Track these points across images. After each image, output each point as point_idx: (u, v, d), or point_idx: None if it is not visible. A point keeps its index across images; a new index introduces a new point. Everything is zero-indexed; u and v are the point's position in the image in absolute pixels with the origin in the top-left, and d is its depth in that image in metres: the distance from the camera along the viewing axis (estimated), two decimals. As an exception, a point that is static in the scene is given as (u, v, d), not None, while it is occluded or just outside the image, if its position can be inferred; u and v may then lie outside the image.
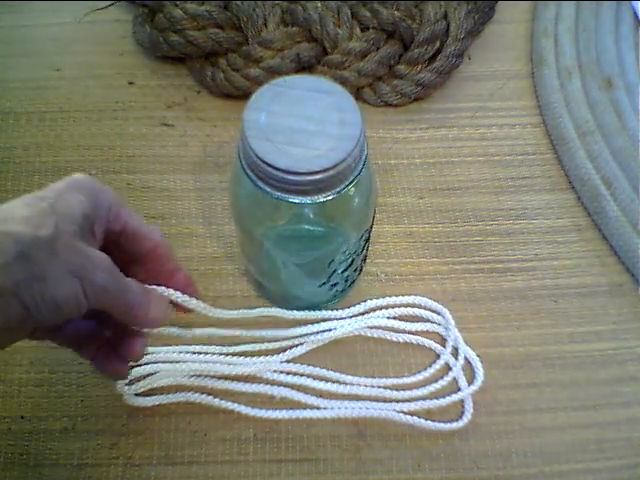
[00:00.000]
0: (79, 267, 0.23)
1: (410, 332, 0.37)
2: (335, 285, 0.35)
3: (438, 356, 0.37)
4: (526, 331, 0.38)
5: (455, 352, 0.36)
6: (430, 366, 0.36)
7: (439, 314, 0.38)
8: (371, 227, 0.34)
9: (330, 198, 0.27)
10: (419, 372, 0.36)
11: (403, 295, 0.38)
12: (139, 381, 0.34)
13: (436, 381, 0.35)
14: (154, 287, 0.28)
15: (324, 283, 0.34)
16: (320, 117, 0.26)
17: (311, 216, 0.30)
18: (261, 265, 0.35)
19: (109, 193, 0.26)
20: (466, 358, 0.36)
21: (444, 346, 0.37)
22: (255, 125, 0.26)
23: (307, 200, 0.27)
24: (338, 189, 0.27)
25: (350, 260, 0.33)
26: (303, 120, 0.26)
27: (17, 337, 0.24)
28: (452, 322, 0.37)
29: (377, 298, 0.38)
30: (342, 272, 0.34)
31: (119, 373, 0.30)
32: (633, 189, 0.41)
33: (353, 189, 0.28)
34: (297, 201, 0.27)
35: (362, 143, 0.27)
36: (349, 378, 0.35)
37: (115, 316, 0.26)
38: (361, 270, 0.37)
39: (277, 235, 0.31)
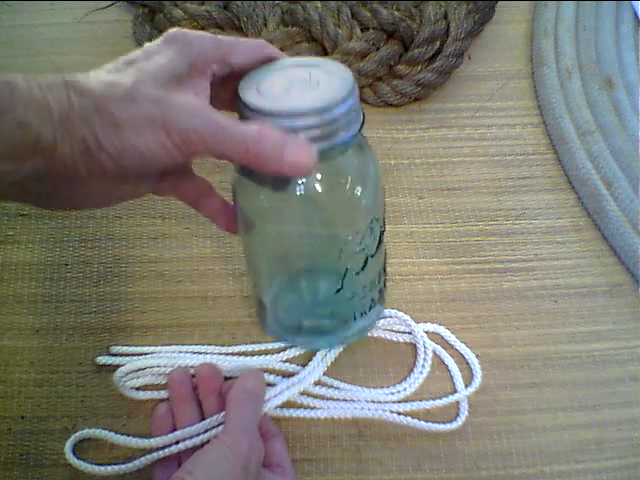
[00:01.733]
0: (162, 116, 0.23)
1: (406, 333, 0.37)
2: (353, 297, 0.33)
3: (438, 357, 0.37)
4: (526, 331, 0.38)
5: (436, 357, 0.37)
6: (425, 367, 0.36)
7: (408, 325, 0.37)
8: (383, 227, 0.33)
9: (325, 147, 0.25)
10: (414, 372, 0.36)
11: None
12: (138, 377, 0.34)
13: (433, 382, 0.35)
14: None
15: (339, 289, 0.32)
16: (312, 79, 0.27)
17: (310, 189, 0.28)
18: (273, 280, 0.34)
19: (204, 40, 0.26)
20: (465, 359, 0.36)
21: (444, 348, 0.37)
22: (249, 86, 0.26)
23: None
24: (333, 140, 0.26)
25: (364, 258, 0.32)
26: (296, 81, 0.27)
27: (130, 192, 0.27)
28: (422, 334, 0.37)
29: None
30: (357, 274, 0.32)
31: (235, 229, 0.31)
32: (633, 189, 0.41)
33: (349, 161, 0.28)
34: None
35: (355, 98, 0.26)
36: (343, 385, 0.35)
37: (235, 160, 0.25)
38: (381, 295, 0.35)
39: (280, 214, 0.30)
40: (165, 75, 0.24)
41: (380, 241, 0.33)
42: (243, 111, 0.26)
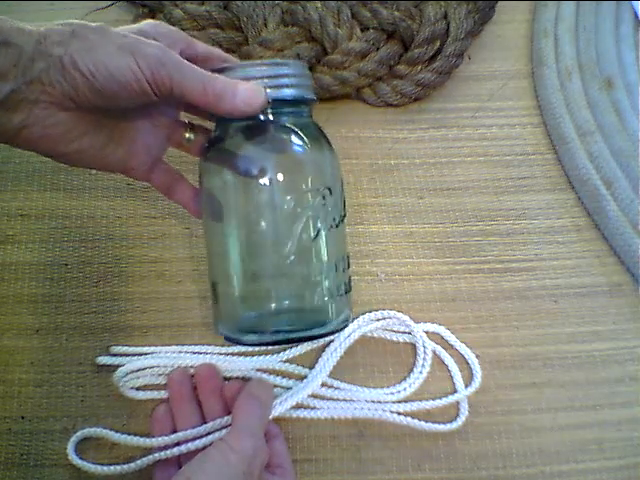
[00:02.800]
0: (130, 44, 0.26)
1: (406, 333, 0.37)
2: (321, 274, 0.32)
3: (438, 357, 0.37)
4: (526, 331, 0.38)
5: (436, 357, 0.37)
6: (425, 367, 0.36)
7: (408, 326, 0.37)
8: (343, 212, 0.33)
9: (272, 95, 0.30)
10: (414, 372, 0.36)
11: (377, 310, 0.37)
12: (138, 377, 0.34)
13: (433, 382, 0.35)
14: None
15: (290, 256, 0.32)
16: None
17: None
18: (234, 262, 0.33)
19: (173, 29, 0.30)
20: (465, 359, 0.36)
21: (444, 348, 0.37)
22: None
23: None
24: (280, 93, 0.30)
25: (328, 226, 0.32)
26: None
27: (105, 151, 0.29)
28: (421, 334, 0.36)
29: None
30: (326, 245, 0.32)
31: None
32: (633, 189, 0.41)
33: (308, 153, 0.31)
34: None
35: (301, 70, 0.32)
36: (343, 385, 0.35)
37: (192, 100, 0.27)
38: (349, 288, 0.35)
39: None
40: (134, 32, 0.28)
41: (336, 225, 0.33)
42: None
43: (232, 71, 0.30)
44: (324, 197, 0.32)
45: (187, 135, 0.34)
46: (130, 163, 0.31)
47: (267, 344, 0.35)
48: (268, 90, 0.29)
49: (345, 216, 0.34)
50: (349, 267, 0.34)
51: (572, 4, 0.50)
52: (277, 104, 0.30)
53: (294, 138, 0.32)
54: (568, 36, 0.49)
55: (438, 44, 0.45)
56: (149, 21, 0.29)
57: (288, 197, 0.31)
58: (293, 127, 0.31)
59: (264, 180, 0.31)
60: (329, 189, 0.32)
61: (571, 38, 0.48)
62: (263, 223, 0.32)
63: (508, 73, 0.49)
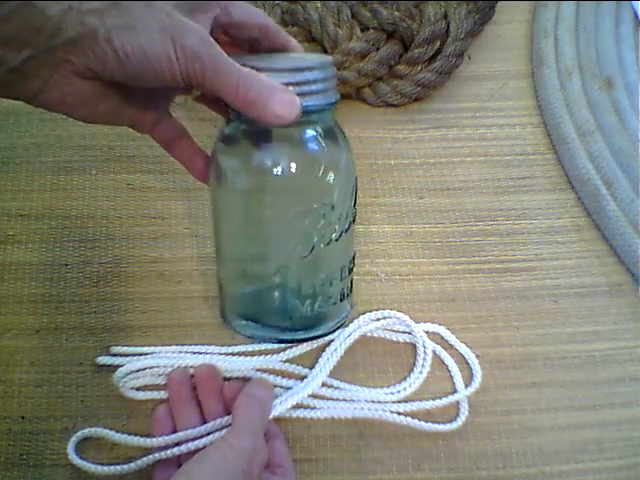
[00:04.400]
0: (172, 27, 0.24)
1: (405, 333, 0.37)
2: (321, 285, 0.33)
3: (438, 357, 0.37)
4: (526, 331, 0.38)
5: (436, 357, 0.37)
6: (425, 367, 0.36)
7: (408, 326, 0.37)
8: (354, 215, 0.33)
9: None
10: (414, 372, 0.36)
11: (377, 310, 0.37)
12: (138, 378, 0.34)
13: (433, 382, 0.35)
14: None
15: (307, 256, 0.32)
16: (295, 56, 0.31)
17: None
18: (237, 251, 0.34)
19: None
20: (465, 359, 0.36)
21: (444, 348, 0.37)
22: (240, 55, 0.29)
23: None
24: (306, 102, 0.27)
25: (327, 240, 0.32)
26: (281, 56, 0.31)
27: (115, 107, 0.27)
28: (421, 334, 0.36)
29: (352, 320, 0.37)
30: (325, 246, 0.32)
31: (205, 177, 0.33)
32: (633, 189, 0.41)
33: (323, 148, 0.30)
34: None
35: (331, 72, 0.30)
36: (343, 385, 0.35)
37: (221, 97, 0.26)
38: (349, 291, 0.35)
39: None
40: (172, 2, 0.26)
41: (345, 230, 0.33)
42: None
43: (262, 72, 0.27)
44: (324, 214, 0.31)
45: (194, 90, 0.32)
46: (137, 118, 0.30)
47: (265, 340, 0.35)
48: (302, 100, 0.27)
49: (354, 219, 0.33)
50: (354, 267, 0.35)
51: (572, 4, 0.50)
52: (304, 114, 0.28)
53: (314, 147, 0.31)
54: (568, 36, 0.49)
55: (438, 44, 0.45)
56: None
57: (292, 210, 0.30)
58: (315, 134, 0.30)
59: (273, 181, 0.30)
60: (332, 206, 0.31)
61: (571, 38, 0.48)
62: (264, 227, 0.32)
63: (508, 73, 0.49)
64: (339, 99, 0.31)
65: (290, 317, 0.34)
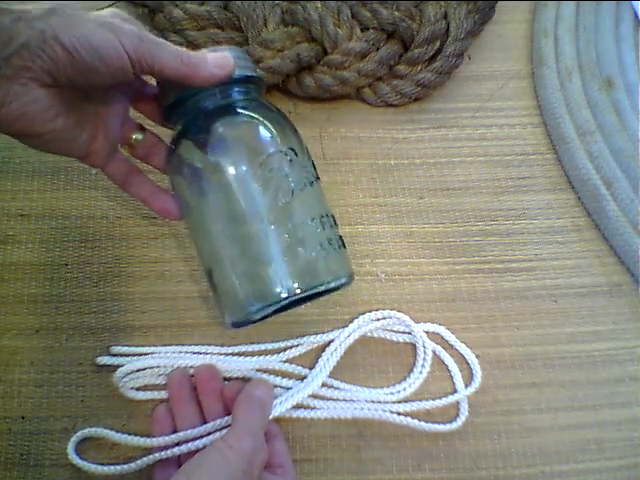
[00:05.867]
0: (109, 22, 0.27)
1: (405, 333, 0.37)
2: (308, 229, 0.32)
3: (438, 357, 0.37)
4: (526, 331, 0.38)
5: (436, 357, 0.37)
6: (425, 367, 0.36)
7: (408, 326, 0.37)
8: (315, 169, 0.34)
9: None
10: (414, 372, 0.36)
11: (377, 310, 0.37)
12: (138, 378, 0.34)
13: (433, 382, 0.35)
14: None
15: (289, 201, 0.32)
16: None
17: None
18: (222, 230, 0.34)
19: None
20: (465, 359, 0.36)
21: (444, 348, 0.37)
22: None
23: None
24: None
25: (302, 185, 0.32)
26: None
27: (71, 134, 0.29)
28: (421, 334, 0.36)
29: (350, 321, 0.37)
30: (305, 203, 0.33)
31: (168, 211, 0.35)
32: (633, 189, 0.41)
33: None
34: None
35: (242, 54, 0.33)
36: (343, 385, 0.35)
37: (170, 73, 0.29)
38: (342, 243, 0.34)
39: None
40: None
41: (314, 181, 0.34)
42: None
43: None
44: (291, 159, 0.33)
45: (134, 136, 0.34)
46: (90, 147, 0.32)
47: (275, 312, 0.33)
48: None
49: (318, 179, 0.34)
50: (336, 226, 0.34)
51: (572, 4, 0.50)
52: (226, 87, 0.32)
53: (247, 112, 0.33)
54: (568, 36, 0.49)
55: (438, 44, 0.45)
56: (110, 9, 0.30)
57: (257, 167, 0.32)
58: (245, 104, 0.33)
59: (230, 160, 0.32)
60: (293, 150, 0.33)
61: (571, 38, 0.48)
62: (238, 198, 0.32)
63: (508, 73, 0.49)
64: (261, 77, 0.35)
65: (290, 273, 0.32)
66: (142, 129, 0.35)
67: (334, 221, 0.34)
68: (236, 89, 0.33)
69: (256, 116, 0.33)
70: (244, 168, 0.32)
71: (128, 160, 0.35)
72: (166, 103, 0.33)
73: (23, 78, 0.26)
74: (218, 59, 0.31)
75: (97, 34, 0.26)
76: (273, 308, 0.32)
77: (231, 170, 0.32)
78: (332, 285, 0.32)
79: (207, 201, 0.33)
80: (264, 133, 0.33)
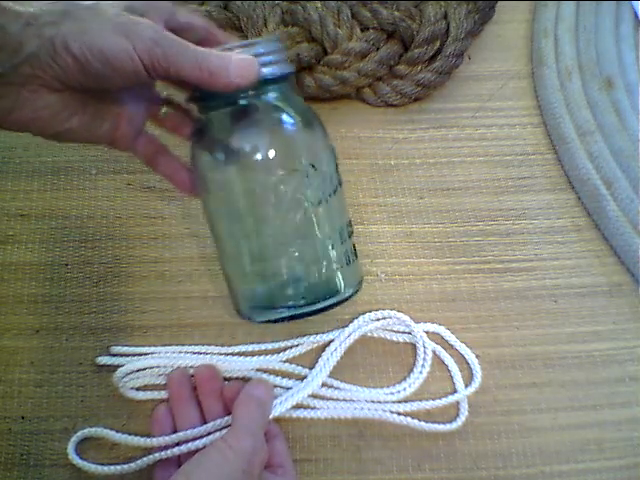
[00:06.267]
0: (124, 24, 0.25)
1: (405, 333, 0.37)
2: (323, 245, 0.33)
3: (438, 357, 0.37)
4: (526, 331, 0.38)
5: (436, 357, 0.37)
6: (425, 367, 0.36)
7: (408, 326, 0.37)
8: (339, 180, 0.34)
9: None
10: (414, 372, 0.36)
11: (377, 310, 0.37)
12: (138, 378, 0.34)
13: (433, 382, 0.35)
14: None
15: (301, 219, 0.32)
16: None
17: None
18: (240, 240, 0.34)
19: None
20: (465, 359, 0.36)
21: (444, 348, 0.37)
22: None
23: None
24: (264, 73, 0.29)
25: (317, 201, 0.32)
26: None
27: (88, 124, 0.28)
28: (421, 334, 0.36)
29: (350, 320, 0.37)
30: (315, 208, 0.32)
31: (187, 187, 0.34)
32: (633, 189, 0.41)
33: (279, 97, 0.31)
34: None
35: (277, 46, 0.31)
36: (343, 385, 0.35)
37: (187, 78, 0.27)
38: (355, 255, 0.35)
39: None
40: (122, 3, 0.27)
41: (333, 192, 0.33)
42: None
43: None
44: (307, 175, 0.32)
45: (163, 110, 0.33)
46: (115, 135, 0.31)
47: (282, 320, 0.34)
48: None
49: (340, 184, 0.34)
50: (353, 234, 0.35)
51: (572, 4, 0.50)
52: (259, 84, 0.30)
53: (281, 115, 0.32)
54: (568, 36, 0.49)
55: (438, 44, 0.45)
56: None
57: (276, 176, 0.31)
58: (279, 104, 0.32)
59: (254, 158, 0.31)
60: (313, 165, 0.32)
61: (571, 38, 0.48)
62: (256, 203, 0.32)
63: (508, 73, 0.49)
64: (293, 72, 0.32)
65: (301, 289, 0.33)
66: (169, 102, 0.34)
67: (351, 230, 0.35)
68: (268, 88, 0.31)
69: (282, 125, 0.32)
70: (266, 177, 0.31)
71: (155, 139, 0.34)
72: (191, 93, 0.32)
73: (32, 85, 0.25)
74: (242, 67, 0.28)
75: (109, 41, 0.25)
76: (280, 317, 0.33)
77: (242, 181, 0.31)
78: (336, 302, 0.34)
79: (223, 196, 0.32)
80: (287, 147, 0.32)
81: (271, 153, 0.31)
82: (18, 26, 0.24)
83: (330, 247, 0.33)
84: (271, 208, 0.32)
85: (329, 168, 0.33)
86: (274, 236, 0.33)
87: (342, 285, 0.34)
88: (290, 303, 0.33)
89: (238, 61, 0.28)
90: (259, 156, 0.31)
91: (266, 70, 0.30)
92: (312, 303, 0.33)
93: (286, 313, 0.33)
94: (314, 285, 0.33)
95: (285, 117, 0.32)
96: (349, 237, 0.34)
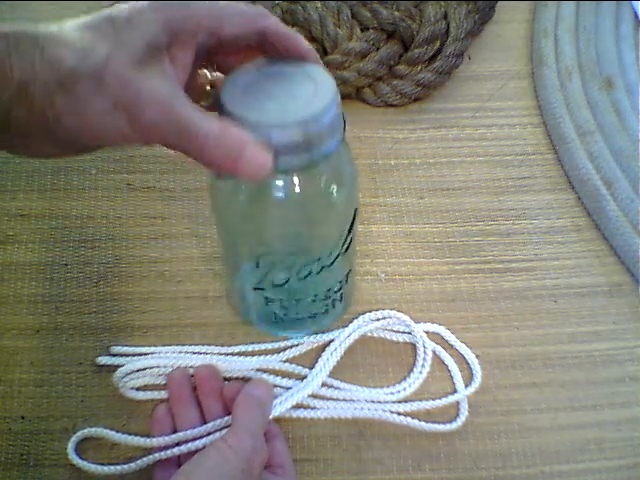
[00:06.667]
0: (126, 101, 0.22)
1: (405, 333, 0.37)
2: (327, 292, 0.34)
3: (438, 357, 0.37)
4: (526, 331, 0.38)
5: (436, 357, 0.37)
6: (425, 367, 0.36)
7: (408, 326, 0.37)
8: (351, 239, 0.32)
9: (305, 160, 0.25)
10: (414, 372, 0.36)
11: (377, 310, 0.37)
12: (138, 378, 0.34)
13: (433, 382, 0.35)
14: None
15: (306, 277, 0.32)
16: (293, 88, 0.26)
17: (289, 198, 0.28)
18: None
19: (199, 6, 0.24)
20: (465, 359, 0.36)
21: (444, 348, 0.37)
22: (231, 91, 0.25)
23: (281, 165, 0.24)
24: (314, 152, 0.25)
25: (328, 259, 0.32)
26: (277, 89, 0.26)
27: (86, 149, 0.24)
28: (421, 334, 0.36)
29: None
30: (317, 273, 0.32)
31: None
32: (633, 189, 0.41)
33: (328, 173, 0.28)
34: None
35: (337, 108, 0.26)
36: (343, 385, 0.35)
37: (191, 157, 0.24)
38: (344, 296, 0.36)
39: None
40: (140, 45, 0.22)
41: (343, 253, 0.32)
42: (222, 113, 0.25)
43: (257, 129, 0.24)
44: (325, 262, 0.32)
45: (207, 89, 0.28)
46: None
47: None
48: (299, 157, 0.25)
49: (352, 240, 0.32)
50: (350, 273, 0.35)
51: (572, 4, 0.50)
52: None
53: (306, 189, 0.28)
54: (568, 36, 0.49)
55: (438, 44, 0.45)
56: (160, 8, 0.23)
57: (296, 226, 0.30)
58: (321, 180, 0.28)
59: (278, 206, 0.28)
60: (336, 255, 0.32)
61: (571, 38, 0.48)
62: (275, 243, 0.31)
63: (508, 73, 0.49)
64: (340, 141, 0.27)
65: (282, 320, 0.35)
66: (212, 86, 0.28)
67: (351, 270, 0.35)
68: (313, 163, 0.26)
69: (331, 178, 0.28)
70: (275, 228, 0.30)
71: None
72: None
73: (20, 145, 0.24)
74: (251, 165, 0.23)
75: (105, 121, 0.22)
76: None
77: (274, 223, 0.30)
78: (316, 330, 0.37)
79: (243, 239, 0.32)
80: (338, 203, 0.29)
81: (296, 209, 0.29)
82: (7, 94, 0.21)
83: (325, 296, 0.35)
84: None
85: (345, 230, 0.31)
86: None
87: (332, 315, 0.37)
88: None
89: (250, 156, 0.23)
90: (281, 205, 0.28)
91: (319, 151, 0.25)
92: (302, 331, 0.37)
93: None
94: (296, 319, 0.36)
95: (329, 176, 0.28)
96: (346, 282, 0.35)
